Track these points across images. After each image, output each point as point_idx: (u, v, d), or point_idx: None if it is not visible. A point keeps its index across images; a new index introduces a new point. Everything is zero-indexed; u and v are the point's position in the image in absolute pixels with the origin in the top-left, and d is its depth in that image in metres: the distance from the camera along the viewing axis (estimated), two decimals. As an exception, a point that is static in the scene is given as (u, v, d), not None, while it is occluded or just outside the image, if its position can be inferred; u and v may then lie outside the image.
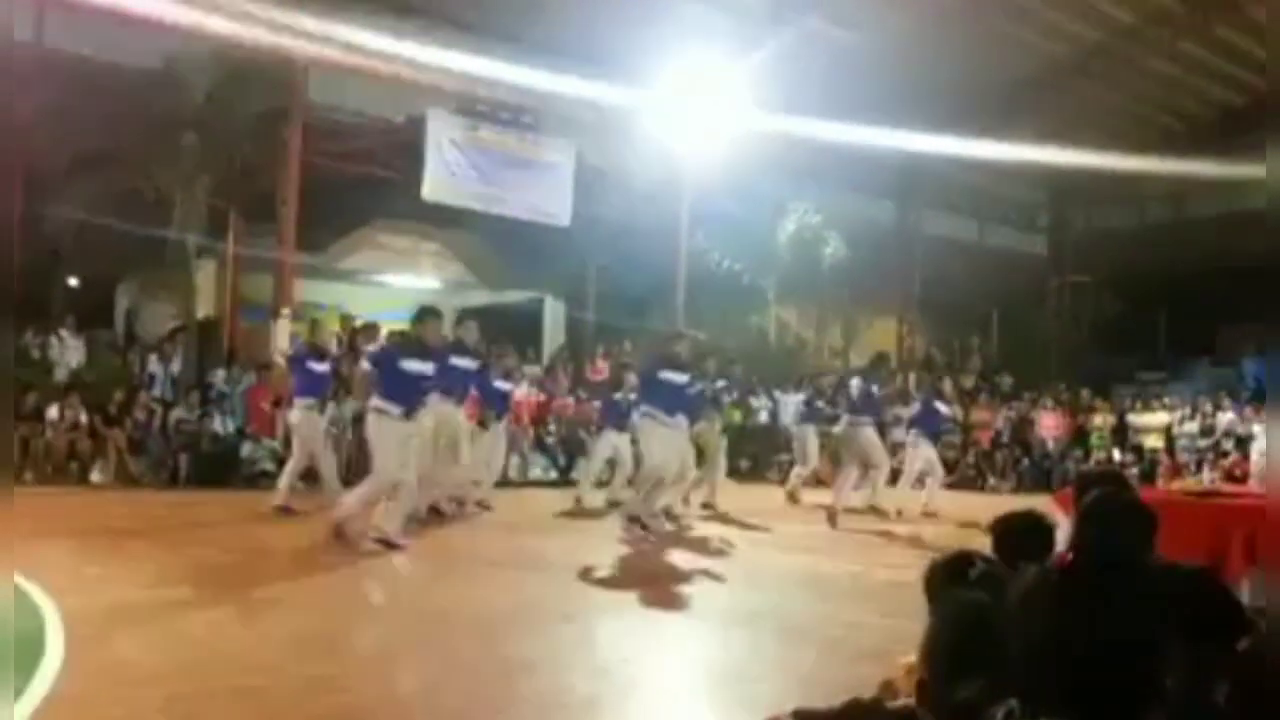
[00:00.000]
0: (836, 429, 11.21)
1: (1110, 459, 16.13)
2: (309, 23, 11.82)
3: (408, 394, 7.24)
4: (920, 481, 11.40)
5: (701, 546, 8.17)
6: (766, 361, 17.81)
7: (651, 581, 6.50)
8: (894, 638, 4.05)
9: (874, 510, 10.81)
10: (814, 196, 17.99)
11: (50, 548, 6.43)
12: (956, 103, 17.09)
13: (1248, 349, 17.41)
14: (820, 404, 12.66)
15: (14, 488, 7.87)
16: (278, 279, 13.63)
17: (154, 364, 12.89)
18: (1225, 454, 15.75)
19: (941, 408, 12.07)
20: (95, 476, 11.33)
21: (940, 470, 11.69)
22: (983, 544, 3.19)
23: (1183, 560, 2.97)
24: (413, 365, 7.30)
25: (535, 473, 13.72)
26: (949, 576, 2.80)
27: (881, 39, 15.68)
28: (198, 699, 3.68)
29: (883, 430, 11.07)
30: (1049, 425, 17.29)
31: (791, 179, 17.63)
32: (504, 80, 13.77)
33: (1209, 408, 16.52)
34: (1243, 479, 13.77)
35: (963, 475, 15.72)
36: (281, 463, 11.09)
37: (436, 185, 14.45)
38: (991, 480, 16.33)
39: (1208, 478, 14.93)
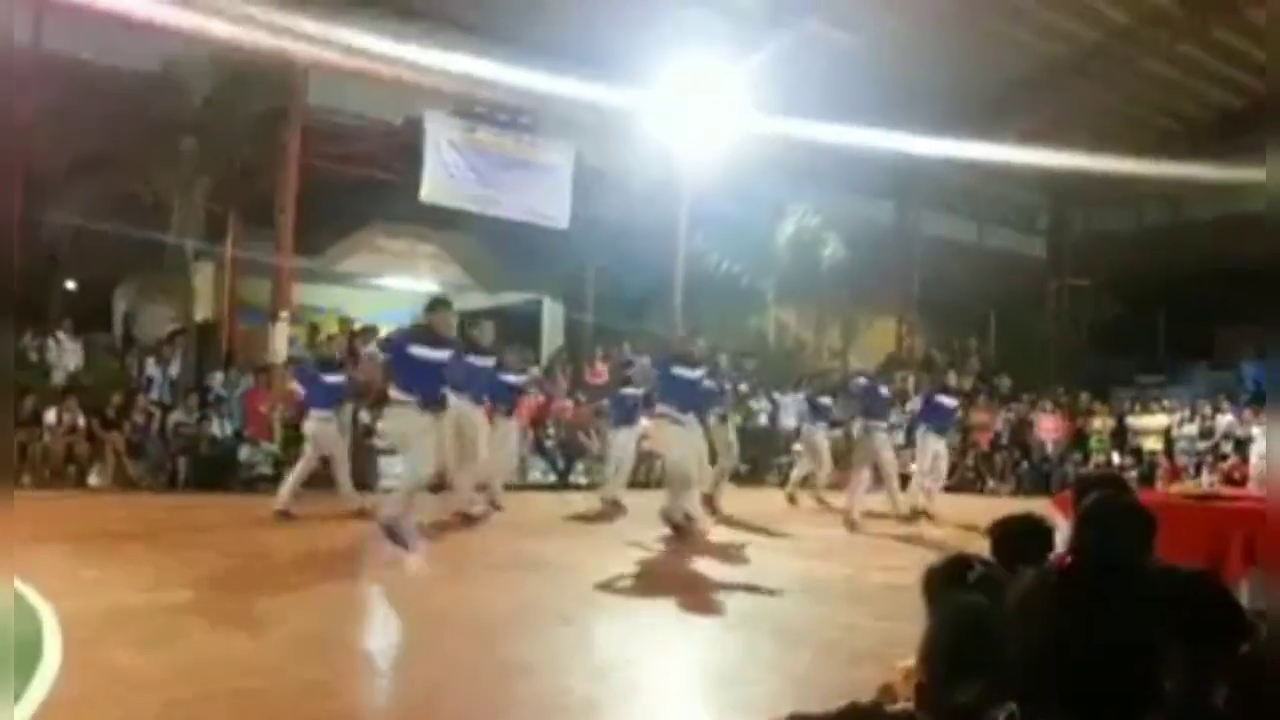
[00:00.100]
0: (854, 432, 11.21)
1: (1109, 461, 16.17)
2: (309, 25, 11.82)
3: (422, 382, 7.13)
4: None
5: (700, 549, 8.16)
6: (766, 363, 17.76)
7: (650, 584, 6.52)
8: (890, 640, 4.06)
9: (922, 514, 10.82)
10: (813, 198, 17.95)
11: (48, 551, 6.42)
12: (955, 104, 17.11)
13: (1246, 351, 17.45)
14: (827, 402, 12.52)
15: (12, 491, 7.85)
16: (276, 282, 13.59)
17: (152, 367, 12.85)
18: (1224, 456, 15.76)
19: (945, 401, 11.80)
20: (93, 480, 11.29)
21: (944, 469, 11.69)
22: (981, 547, 3.20)
23: (1182, 563, 2.97)
24: (423, 352, 7.19)
25: (534, 475, 13.70)
26: (947, 579, 2.80)
27: (880, 41, 15.69)
28: (196, 702, 3.68)
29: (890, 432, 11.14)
30: (1048, 428, 17.30)
31: (790, 180, 17.57)
32: (503, 82, 13.73)
33: (1208, 410, 16.53)
34: (1242, 482, 13.76)
35: (961, 478, 15.68)
36: (280, 466, 11.09)
37: (435, 187, 14.40)
38: (990, 483, 16.33)
39: (1207, 480, 14.94)
